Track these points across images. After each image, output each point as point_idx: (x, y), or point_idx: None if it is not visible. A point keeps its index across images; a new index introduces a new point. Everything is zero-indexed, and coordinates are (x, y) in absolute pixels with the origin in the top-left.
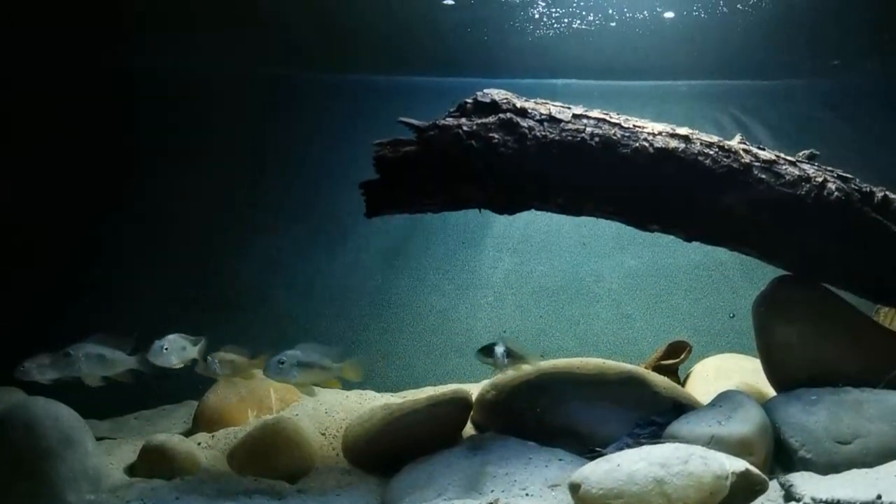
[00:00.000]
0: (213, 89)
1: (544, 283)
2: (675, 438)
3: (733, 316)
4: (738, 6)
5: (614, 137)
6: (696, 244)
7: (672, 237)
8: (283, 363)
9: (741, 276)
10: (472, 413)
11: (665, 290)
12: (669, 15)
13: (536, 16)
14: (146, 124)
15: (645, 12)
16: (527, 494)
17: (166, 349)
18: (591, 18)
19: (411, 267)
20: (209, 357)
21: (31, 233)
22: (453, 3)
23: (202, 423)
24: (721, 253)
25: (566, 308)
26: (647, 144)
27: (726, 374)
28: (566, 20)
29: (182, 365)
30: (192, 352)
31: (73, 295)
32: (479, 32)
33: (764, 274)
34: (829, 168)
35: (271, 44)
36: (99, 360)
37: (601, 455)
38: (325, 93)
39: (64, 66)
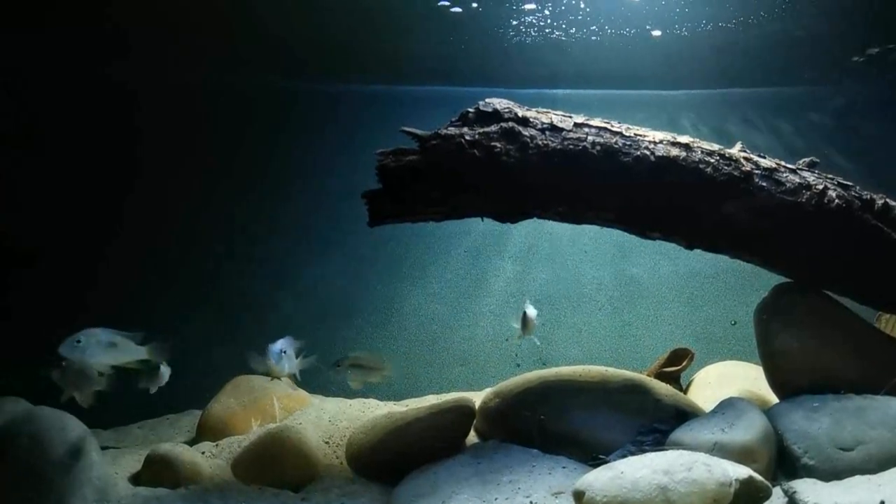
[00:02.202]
0: (216, 99)
1: (546, 291)
2: (678, 446)
3: (735, 323)
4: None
5: (616, 146)
6: (697, 252)
7: (673, 245)
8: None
9: (742, 284)
10: (475, 421)
11: (667, 298)
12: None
13: (537, 25)
14: (149, 134)
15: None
16: (531, 502)
17: (79, 343)
18: (569, 29)
19: (414, 276)
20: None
21: (31, 235)
22: (460, 10)
23: (206, 432)
24: (722, 260)
25: (568, 316)
26: (648, 153)
27: (728, 381)
28: (567, 29)
29: (110, 364)
30: (135, 351)
31: (72, 295)
32: (480, 42)
33: (765, 281)
34: (830, 175)
35: (273, 53)
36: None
37: (605, 462)
38: (328, 102)
39: (63, 70)
